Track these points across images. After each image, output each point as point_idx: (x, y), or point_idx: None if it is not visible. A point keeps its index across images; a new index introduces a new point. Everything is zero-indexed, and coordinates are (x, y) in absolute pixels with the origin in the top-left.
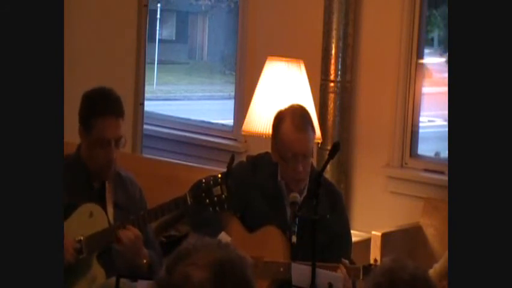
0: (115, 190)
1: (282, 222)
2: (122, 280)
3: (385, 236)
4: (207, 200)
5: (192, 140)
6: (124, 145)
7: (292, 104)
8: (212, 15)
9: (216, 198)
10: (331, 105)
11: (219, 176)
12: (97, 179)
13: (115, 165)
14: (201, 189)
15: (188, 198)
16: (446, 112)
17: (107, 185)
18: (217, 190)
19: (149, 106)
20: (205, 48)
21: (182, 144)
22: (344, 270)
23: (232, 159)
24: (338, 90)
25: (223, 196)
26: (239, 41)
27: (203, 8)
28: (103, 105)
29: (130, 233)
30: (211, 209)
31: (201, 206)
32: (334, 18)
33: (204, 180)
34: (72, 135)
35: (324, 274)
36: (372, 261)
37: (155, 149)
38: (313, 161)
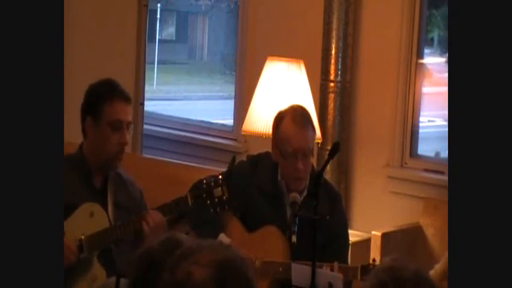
0: (115, 190)
1: (282, 222)
2: (123, 280)
3: (385, 236)
4: (208, 201)
5: (192, 140)
6: (131, 131)
7: (292, 104)
8: (212, 15)
9: (216, 200)
10: (331, 105)
11: (220, 177)
12: (101, 175)
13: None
14: (202, 190)
15: (189, 199)
16: (446, 112)
17: (108, 185)
18: (218, 191)
19: (149, 106)
20: (205, 48)
21: (182, 144)
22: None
23: (233, 160)
24: (338, 90)
25: (224, 198)
26: (239, 41)
27: (203, 8)
28: (113, 90)
29: (156, 217)
30: (212, 210)
31: (202, 207)
32: (334, 18)
33: (204, 181)
34: (72, 135)
35: (324, 274)
36: (370, 261)
37: (155, 149)
38: (313, 161)
